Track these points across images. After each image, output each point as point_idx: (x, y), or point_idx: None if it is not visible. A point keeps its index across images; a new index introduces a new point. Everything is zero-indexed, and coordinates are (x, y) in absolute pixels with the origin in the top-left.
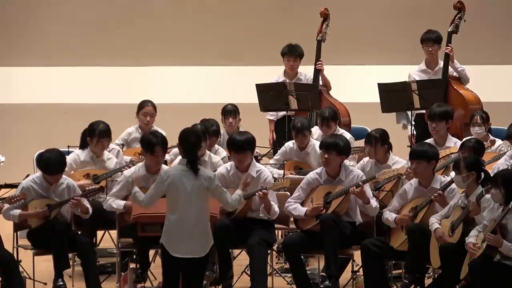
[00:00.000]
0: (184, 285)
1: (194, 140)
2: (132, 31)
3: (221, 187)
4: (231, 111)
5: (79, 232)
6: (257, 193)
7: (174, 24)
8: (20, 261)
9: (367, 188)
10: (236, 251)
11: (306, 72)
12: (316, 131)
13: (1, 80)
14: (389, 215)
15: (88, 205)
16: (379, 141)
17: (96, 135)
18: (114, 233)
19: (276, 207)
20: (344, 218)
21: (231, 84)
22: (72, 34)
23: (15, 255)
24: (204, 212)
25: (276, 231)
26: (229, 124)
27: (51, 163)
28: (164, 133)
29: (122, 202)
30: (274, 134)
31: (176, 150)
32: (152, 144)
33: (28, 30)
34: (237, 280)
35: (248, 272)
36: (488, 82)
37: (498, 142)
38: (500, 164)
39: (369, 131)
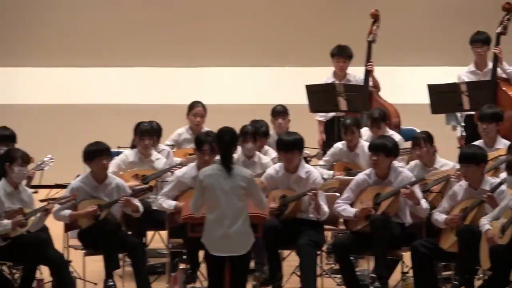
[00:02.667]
0: (229, 283)
1: (229, 139)
2: (184, 32)
3: (258, 187)
4: (280, 112)
5: (129, 233)
6: (307, 194)
7: (225, 25)
8: (71, 261)
9: (417, 189)
10: (285, 252)
11: (355, 73)
12: (365, 132)
13: (55, 81)
14: (439, 216)
15: (139, 204)
16: (426, 143)
17: (138, 133)
18: (164, 233)
19: (325, 208)
20: (394, 219)
21: (280, 85)
22: (124, 35)
23: (65, 255)
24: (242, 210)
25: (326, 232)
26: (278, 125)
27: (94, 149)
28: None
29: (173, 203)
30: (323, 135)
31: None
32: (203, 142)
33: (85, 32)
34: (286, 281)
35: (298, 273)
36: None
37: None
38: None
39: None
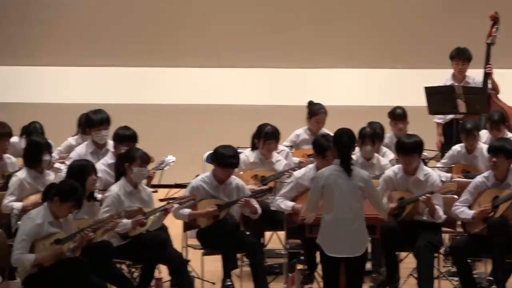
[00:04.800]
0: (344, 285)
1: (347, 140)
2: (300, 34)
3: (377, 190)
4: (401, 115)
5: (248, 233)
6: (422, 196)
7: (341, 26)
8: (189, 260)
9: None
10: (403, 254)
11: (473, 75)
12: (484, 134)
13: (176, 81)
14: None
15: (257, 205)
16: None
17: (262, 137)
18: (282, 234)
19: (440, 211)
20: None
21: (398, 87)
22: (243, 36)
23: (184, 254)
24: (359, 211)
25: (443, 235)
26: (399, 129)
27: (227, 155)
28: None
29: (291, 203)
30: (442, 137)
31: None
32: (324, 148)
33: (212, 32)
34: (403, 283)
35: (415, 275)
36: None
37: None
38: None
39: None
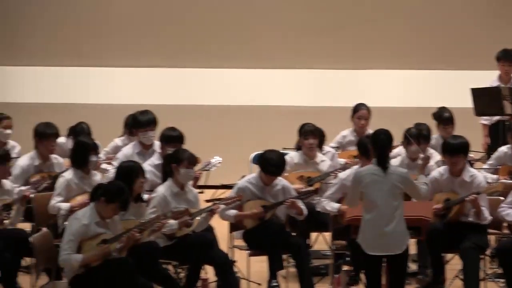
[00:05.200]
0: (388, 283)
1: (384, 139)
2: (351, 34)
3: (415, 184)
4: (449, 119)
5: (294, 234)
6: (466, 199)
7: (389, 27)
8: (235, 261)
9: None
10: (449, 255)
11: None
12: None
13: (223, 82)
14: None
15: (303, 207)
16: None
17: (303, 134)
18: (328, 235)
19: (486, 213)
20: None
21: (444, 88)
22: (292, 36)
23: (230, 255)
24: (397, 209)
25: (489, 236)
26: (448, 133)
27: (272, 163)
28: None
29: (337, 205)
30: (488, 138)
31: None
32: (369, 149)
33: (255, 34)
34: (449, 285)
35: (461, 277)
36: None
37: None
38: None
39: None
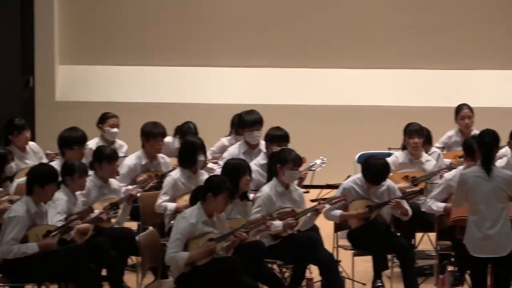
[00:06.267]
0: (492, 285)
1: (490, 140)
2: (453, 34)
3: None
4: None
5: (398, 234)
6: None
7: (494, 27)
8: (340, 261)
9: None
10: None
11: None
12: None
13: (328, 82)
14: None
15: (408, 207)
16: None
17: (407, 133)
18: (433, 235)
19: None
20: None
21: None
22: (393, 36)
23: (335, 255)
24: (502, 212)
25: None
26: None
27: (373, 170)
28: None
29: (442, 204)
30: None
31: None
32: (474, 150)
33: (351, 34)
34: None
35: None
36: None
37: None
38: None
39: None
